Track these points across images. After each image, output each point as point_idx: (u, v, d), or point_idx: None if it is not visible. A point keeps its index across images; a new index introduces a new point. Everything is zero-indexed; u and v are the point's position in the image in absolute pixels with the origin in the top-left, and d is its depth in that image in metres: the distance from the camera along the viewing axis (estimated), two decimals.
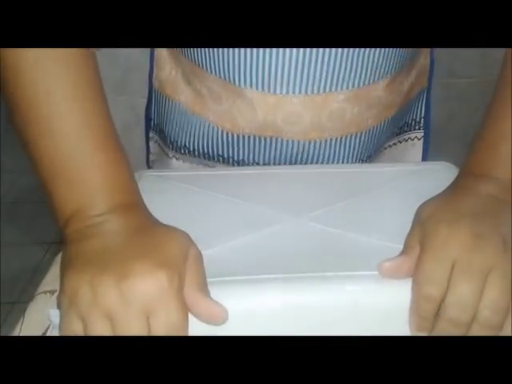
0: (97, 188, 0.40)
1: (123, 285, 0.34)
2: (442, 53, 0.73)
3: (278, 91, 0.55)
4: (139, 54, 0.72)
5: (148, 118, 0.71)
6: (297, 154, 0.61)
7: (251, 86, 0.56)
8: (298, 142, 0.59)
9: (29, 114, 0.40)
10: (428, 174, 0.53)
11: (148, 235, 0.39)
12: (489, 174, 0.43)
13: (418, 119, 0.71)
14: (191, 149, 0.65)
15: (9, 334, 0.48)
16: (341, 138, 0.60)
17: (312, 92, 0.55)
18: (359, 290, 0.39)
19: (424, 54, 0.67)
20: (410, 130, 0.71)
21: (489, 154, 0.45)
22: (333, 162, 0.62)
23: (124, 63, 1.23)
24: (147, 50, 0.69)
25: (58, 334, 0.42)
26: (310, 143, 0.60)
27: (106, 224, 0.39)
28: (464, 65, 1.31)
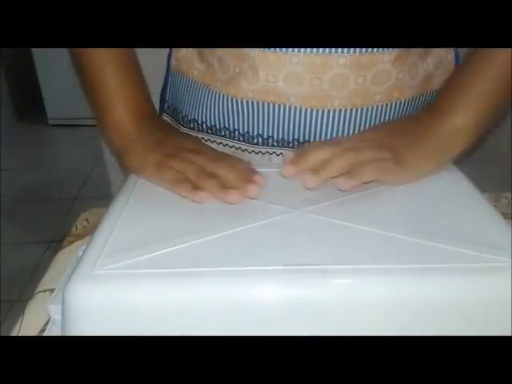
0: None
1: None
2: None
3: (277, 48, 0.56)
4: (140, 55, 0.73)
5: (163, 101, 0.74)
6: (299, 125, 0.61)
7: None
8: (301, 110, 0.60)
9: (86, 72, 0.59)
10: None
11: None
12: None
13: None
14: (200, 122, 0.66)
15: (9, 333, 0.48)
16: (345, 110, 0.60)
17: (311, 51, 0.56)
18: (359, 283, 0.38)
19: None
20: None
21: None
22: (338, 135, 0.61)
23: None
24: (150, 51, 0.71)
25: (57, 330, 0.42)
26: (312, 111, 0.60)
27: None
28: None
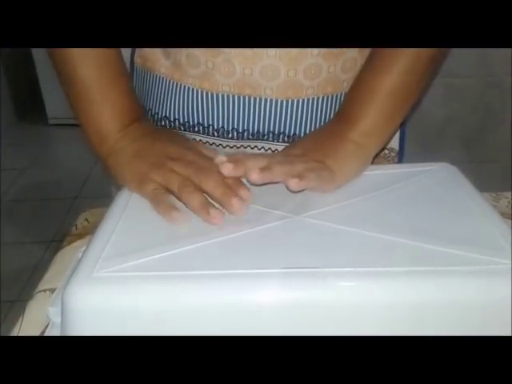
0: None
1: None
2: None
3: None
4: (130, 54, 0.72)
5: None
6: (275, 116, 0.62)
7: None
8: (276, 101, 0.61)
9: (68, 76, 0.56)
10: (428, 175, 0.53)
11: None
12: (352, 121, 0.54)
13: None
14: (172, 119, 0.66)
15: (9, 332, 0.48)
16: (317, 98, 0.62)
17: None
18: (359, 286, 0.38)
19: None
20: None
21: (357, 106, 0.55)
22: (311, 124, 0.63)
23: None
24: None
25: (56, 332, 0.42)
26: (287, 102, 0.61)
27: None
28: (464, 65, 1.32)
